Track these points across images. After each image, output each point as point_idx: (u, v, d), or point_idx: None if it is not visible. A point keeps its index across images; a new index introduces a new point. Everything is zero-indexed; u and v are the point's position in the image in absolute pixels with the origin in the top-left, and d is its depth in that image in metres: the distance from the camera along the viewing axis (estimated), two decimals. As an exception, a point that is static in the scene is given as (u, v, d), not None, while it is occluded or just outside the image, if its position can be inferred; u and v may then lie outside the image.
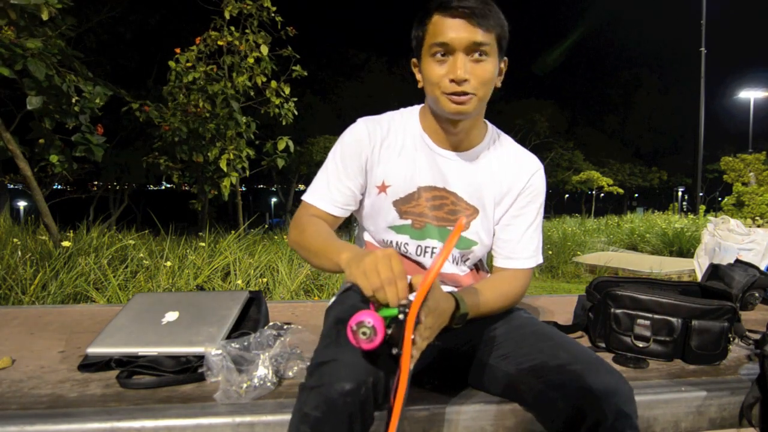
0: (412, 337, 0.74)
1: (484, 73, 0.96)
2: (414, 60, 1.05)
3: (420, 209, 1.09)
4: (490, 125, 1.15)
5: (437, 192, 1.08)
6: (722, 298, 1.29)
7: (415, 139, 1.09)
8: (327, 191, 1.09)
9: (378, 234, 1.14)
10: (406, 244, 1.11)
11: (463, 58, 0.95)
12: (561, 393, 0.84)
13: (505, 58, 1.03)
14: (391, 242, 1.12)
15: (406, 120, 1.12)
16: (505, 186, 1.10)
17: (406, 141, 1.09)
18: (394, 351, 0.76)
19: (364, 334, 0.72)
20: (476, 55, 0.95)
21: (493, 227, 1.13)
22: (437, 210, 1.09)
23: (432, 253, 1.11)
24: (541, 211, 1.14)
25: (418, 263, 1.12)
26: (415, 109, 1.14)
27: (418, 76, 1.05)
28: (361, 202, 1.13)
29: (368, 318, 0.72)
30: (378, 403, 0.79)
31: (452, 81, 0.95)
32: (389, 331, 0.74)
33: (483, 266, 1.23)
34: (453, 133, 1.06)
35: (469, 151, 1.09)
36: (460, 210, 1.09)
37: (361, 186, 1.10)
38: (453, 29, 0.93)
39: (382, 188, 1.09)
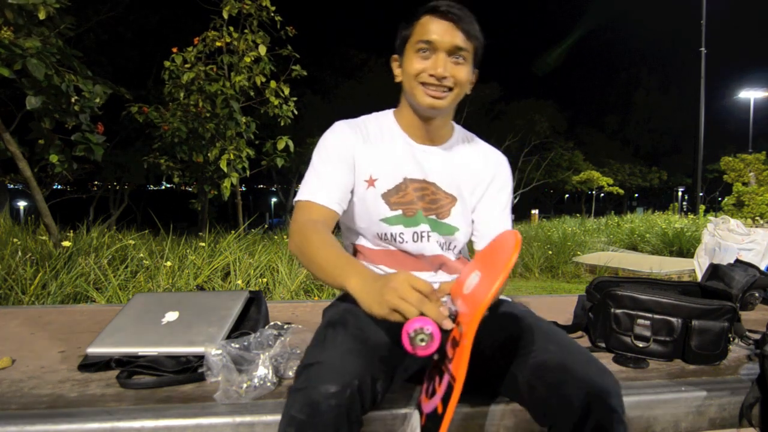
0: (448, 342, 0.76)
1: (462, 74, 1.05)
2: (395, 56, 1.12)
3: (409, 198, 1.13)
4: (456, 125, 1.23)
5: (419, 184, 1.14)
6: (722, 298, 1.29)
7: (394, 135, 1.16)
8: (320, 185, 1.09)
9: (371, 230, 1.15)
10: (401, 233, 1.13)
11: (444, 57, 1.03)
12: (550, 388, 0.84)
13: (476, 70, 1.12)
14: (386, 234, 1.13)
15: (382, 120, 1.19)
16: (477, 176, 1.19)
17: (384, 136, 1.16)
18: (435, 356, 0.77)
19: (422, 341, 0.71)
20: (456, 58, 1.04)
21: (470, 214, 1.20)
22: (421, 200, 1.14)
23: (428, 238, 1.14)
24: (510, 197, 1.23)
25: (415, 256, 1.15)
26: (388, 112, 1.21)
27: (397, 71, 1.13)
28: (350, 204, 1.15)
29: (427, 325, 0.72)
30: (365, 406, 0.78)
31: (432, 75, 1.03)
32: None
33: (466, 257, 1.26)
34: (427, 129, 1.14)
35: (443, 144, 1.18)
36: (440, 198, 1.15)
37: (351, 183, 1.12)
38: (439, 30, 1.02)
39: (370, 182, 1.13)
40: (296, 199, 1.11)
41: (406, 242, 1.14)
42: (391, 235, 1.13)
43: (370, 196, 1.13)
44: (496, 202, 1.19)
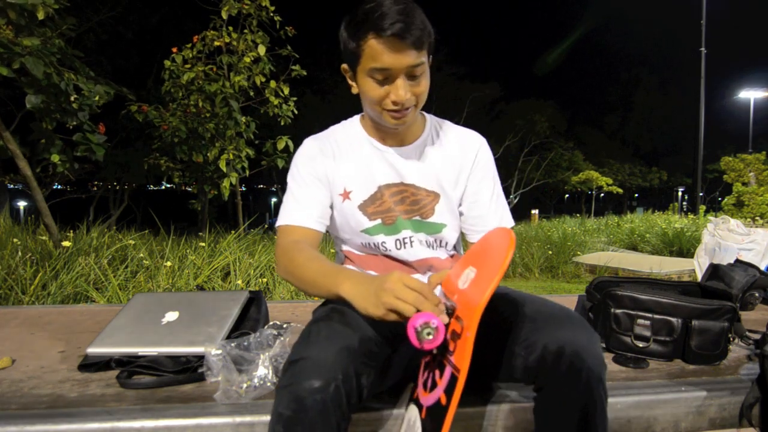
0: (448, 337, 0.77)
1: (422, 87, 1.01)
2: (345, 66, 1.06)
3: (386, 206, 1.12)
4: (427, 115, 1.19)
5: (396, 188, 1.12)
6: (722, 298, 1.29)
7: (363, 143, 1.14)
8: (299, 207, 1.09)
9: (353, 241, 1.16)
10: (384, 242, 1.13)
11: (402, 81, 0.98)
12: (528, 349, 0.86)
13: (431, 56, 1.05)
14: (369, 244, 1.14)
15: (349, 129, 1.17)
16: (457, 166, 1.16)
17: (354, 146, 1.14)
18: (435, 351, 0.79)
19: (429, 334, 0.73)
20: (414, 76, 0.99)
21: (457, 208, 1.17)
22: (401, 204, 1.13)
23: (411, 243, 1.13)
24: (496, 179, 1.20)
25: (402, 261, 1.15)
26: (354, 119, 1.19)
27: (351, 83, 1.06)
28: (331, 216, 1.15)
29: (433, 319, 0.74)
30: (351, 401, 0.78)
31: (394, 102, 0.99)
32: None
33: (460, 252, 1.26)
34: (396, 132, 1.11)
35: (415, 143, 1.14)
36: (421, 198, 1.13)
37: (328, 199, 1.12)
38: (391, 55, 0.94)
39: (345, 195, 1.12)
40: (277, 224, 1.11)
41: (390, 250, 1.14)
42: (374, 244, 1.14)
43: (348, 209, 1.12)
44: (481, 194, 1.17)
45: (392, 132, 1.11)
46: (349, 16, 0.99)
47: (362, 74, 1.00)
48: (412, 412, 0.89)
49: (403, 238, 1.13)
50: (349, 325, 0.88)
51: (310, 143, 1.15)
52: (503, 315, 0.95)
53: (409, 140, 1.14)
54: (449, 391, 0.76)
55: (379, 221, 1.12)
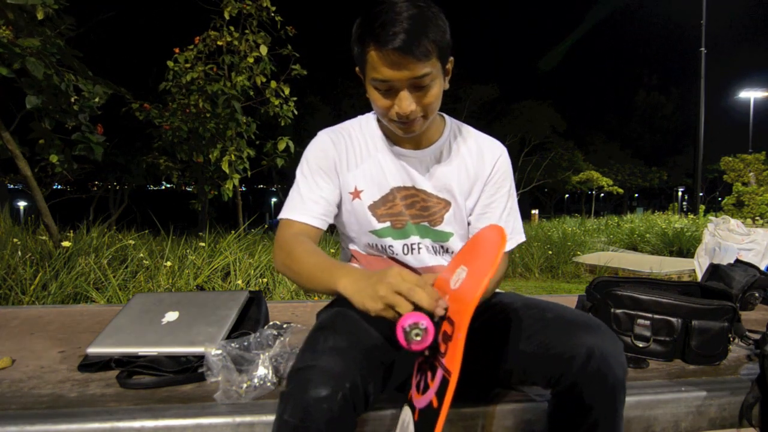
0: (438, 339, 0.76)
1: (430, 97, 0.96)
2: (358, 70, 1.02)
3: (397, 209, 1.10)
4: (448, 118, 1.15)
5: (407, 191, 1.10)
6: (722, 298, 1.29)
7: (377, 143, 1.11)
8: (302, 203, 1.07)
9: (360, 240, 1.14)
10: (391, 246, 1.11)
11: (407, 94, 0.94)
12: (549, 351, 0.85)
13: (451, 58, 0.99)
14: (376, 245, 1.13)
15: (365, 126, 1.14)
16: (471, 176, 1.12)
17: (369, 145, 1.11)
18: (426, 352, 0.78)
19: (417, 335, 0.72)
20: (420, 86, 0.94)
21: (466, 217, 1.14)
22: (411, 208, 1.11)
23: (419, 249, 1.12)
24: (512, 192, 1.16)
25: (407, 265, 1.13)
26: (370, 117, 1.15)
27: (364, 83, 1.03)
28: (339, 213, 1.13)
29: (422, 320, 0.73)
30: (357, 409, 0.77)
31: (399, 114, 0.96)
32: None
33: None
34: (411, 135, 1.07)
35: (431, 147, 1.10)
36: (431, 205, 1.11)
37: (335, 195, 1.10)
38: (392, 69, 0.90)
39: (356, 194, 1.10)
40: (279, 216, 1.09)
41: (397, 254, 1.12)
42: (382, 246, 1.12)
43: (358, 208, 1.10)
44: (493, 207, 1.13)
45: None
46: (360, 17, 0.94)
47: (368, 82, 0.97)
48: (407, 413, 0.88)
49: (411, 244, 1.11)
50: (355, 331, 0.87)
51: (323, 137, 1.12)
52: (520, 319, 0.94)
53: (425, 144, 1.10)
54: (440, 393, 0.74)
55: (388, 224, 1.10)
